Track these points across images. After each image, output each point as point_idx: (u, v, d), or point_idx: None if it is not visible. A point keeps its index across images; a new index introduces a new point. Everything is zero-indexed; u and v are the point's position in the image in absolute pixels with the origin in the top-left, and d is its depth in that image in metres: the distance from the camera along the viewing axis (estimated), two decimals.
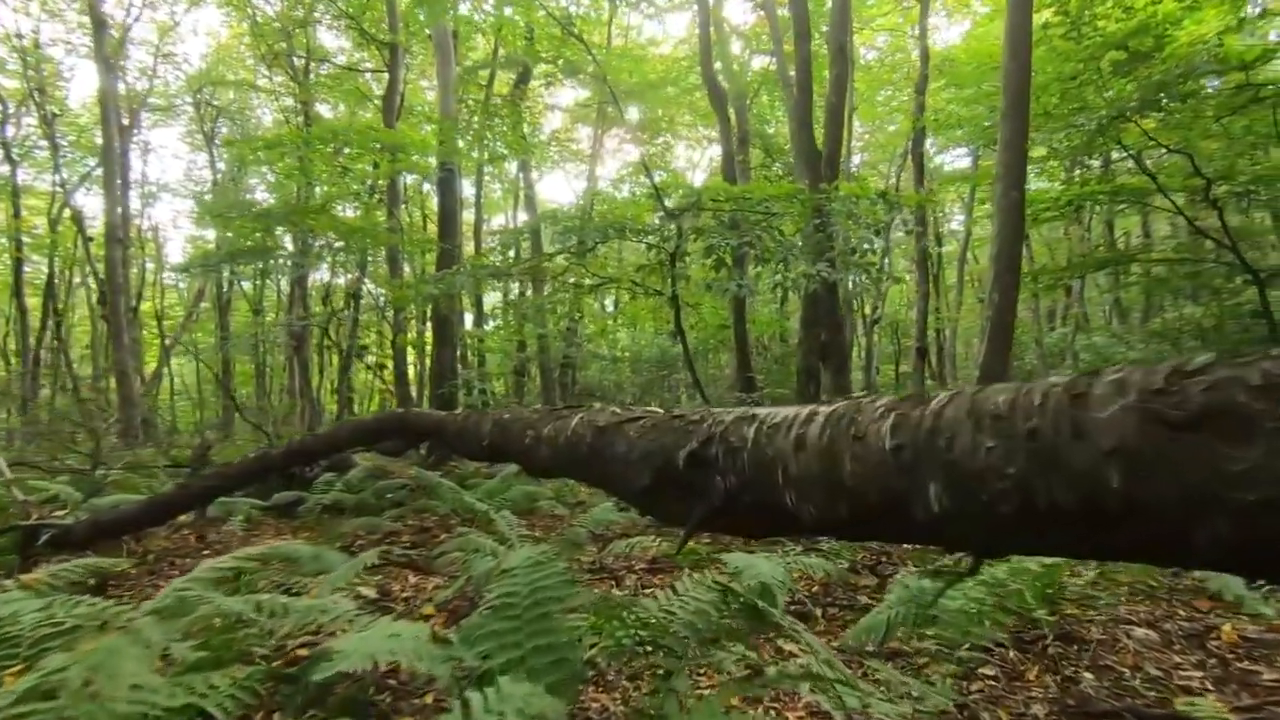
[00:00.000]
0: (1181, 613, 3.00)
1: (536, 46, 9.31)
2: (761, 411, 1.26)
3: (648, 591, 3.59)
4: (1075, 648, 2.65)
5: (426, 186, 20.03)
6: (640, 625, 1.67)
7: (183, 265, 15.19)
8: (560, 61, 9.63)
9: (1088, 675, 2.42)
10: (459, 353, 16.34)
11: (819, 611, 3.34)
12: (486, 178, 21.37)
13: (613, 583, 3.90)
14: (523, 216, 20.24)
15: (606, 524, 4.97)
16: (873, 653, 2.56)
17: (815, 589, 3.74)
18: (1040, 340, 17.64)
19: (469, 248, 18.03)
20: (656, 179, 9.52)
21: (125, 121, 19.54)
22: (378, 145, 11.19)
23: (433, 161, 11.32)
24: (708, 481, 1.31)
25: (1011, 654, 2.56)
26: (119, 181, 17.46)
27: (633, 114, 14.64)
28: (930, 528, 0.91)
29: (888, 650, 2.59)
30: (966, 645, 2.60)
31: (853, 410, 1.05)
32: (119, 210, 12.48)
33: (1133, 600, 3.13)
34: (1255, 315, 11.12)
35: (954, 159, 21.04)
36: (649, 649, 1.66)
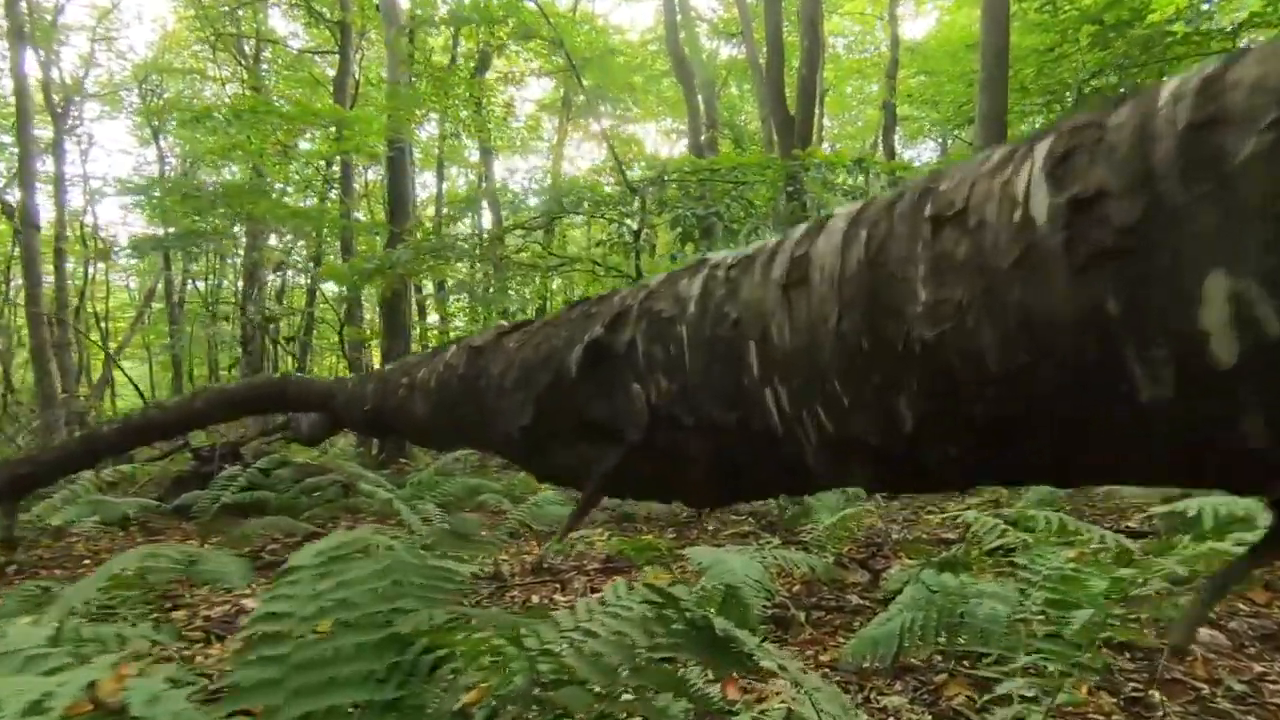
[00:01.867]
0: (1243, 607, 2.47)
1: (491, 7, 8.67)
2: (715, 255, 0.65)
3: (598, 598, 2.97)
4: (1127, 655, 2.10)
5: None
6: (538, 657, 1.06)
7: (105, 250, 14.15)
8: (513, 22, 8.97)
9: (1155, 694, 1.86)
10: (421, 346, 15.51)
11: (802, 615, 2.76)
12: (453, 171, 20.57)
13: (557, 586, 3.28)
14: (486, 212, 19.53)
15: (556, 518, 4.34)
16: (878, 669, 1.98)
17: (796, 588, 3.16)
18: None
19: None
20: (630, 173, 8.94)
21: (59, 110, 18.40)
22: (323, 122, 10.42)
23: (384, 149, 10.56)
24: (618, 397, 0.70)
25: (1052, 666, 2.00)
26: (47, 171, 16.33)
27: (597, 94, 14.02)
28: (1161, 423, 0.31)
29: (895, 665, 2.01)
30: (994, 657, 2.04)
31: (922, 184, 0.44)
32: (35, 195, 11.48)
33: (1179, 593, 2.59)
34: None
35: (921, 154, 20.91)
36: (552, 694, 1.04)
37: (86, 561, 4.37)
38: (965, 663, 2.08)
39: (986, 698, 1.52)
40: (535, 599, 3.18)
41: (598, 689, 0.82)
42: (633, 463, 0.72)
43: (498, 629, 0.98)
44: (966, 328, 0.39)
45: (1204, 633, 2.22)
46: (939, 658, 2.12)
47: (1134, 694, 1.86)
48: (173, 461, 7.00)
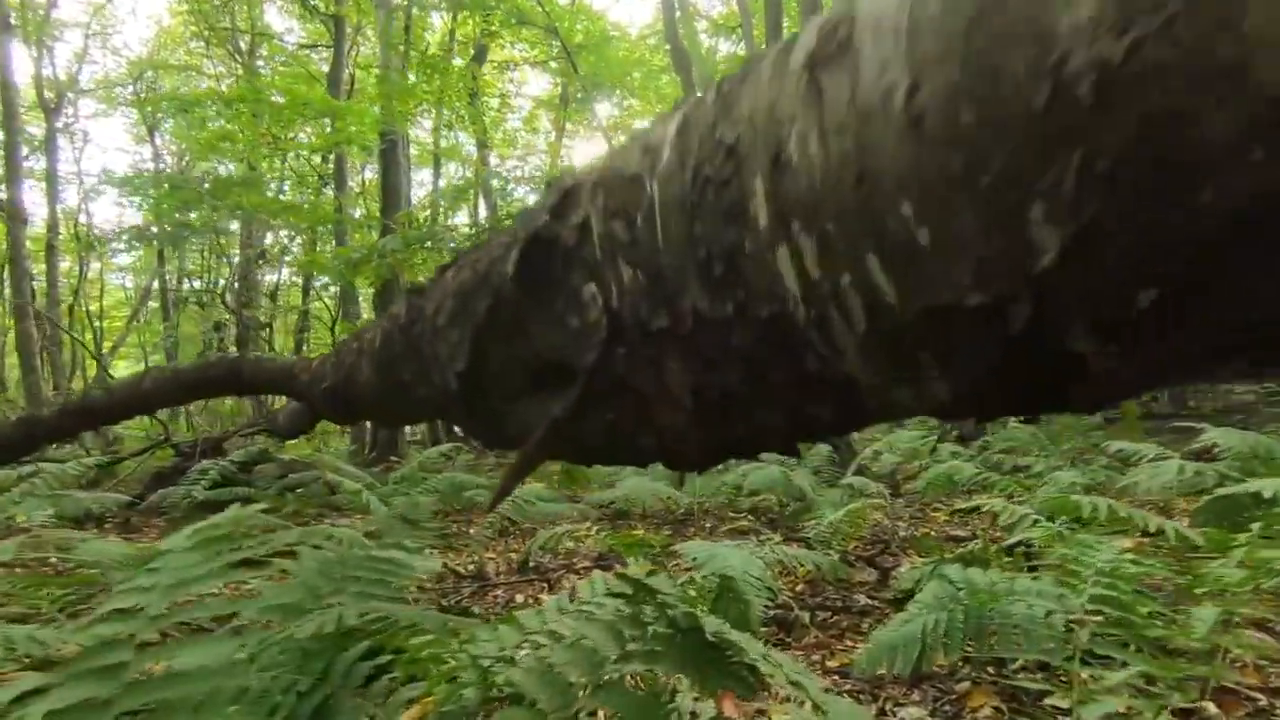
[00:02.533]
0: None
1: None
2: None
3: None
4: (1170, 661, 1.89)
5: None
6: (493, 666, 0.86)
7: (90, 242, 13.98)
8: (506, 7, 8.78)
9: (1208, 705, 1.66)
10: None
11: (806, 617, 2.55)
12: (451, 169, 20.39)
13: (544, 585, 3.07)
14: (483, 211, 19.33)
15: (547, 514, 4.13)
16: (896, 677, 1.77)
17: (800, 587, 2.95)
18: None
19: None
20: None
21: (52, 106, 18.21)
22: (313, 113, 10.23)
23: (376, 141, 10.35)
24: (568, 310, 0.49)
25: (1086, 674, 1.79)
26: (41, 168, 16.20)
27: (594, 82, 13.84)
28: None
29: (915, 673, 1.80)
30: (1019, 664, 1.84)
31: None
32: (21, 187, 11.27)
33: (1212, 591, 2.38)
34: None
35: None
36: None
37: (52, 560, 4.16)
38: (989, 669, 1.88)
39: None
40: (520, 598, 2.97)
41: (550, 713, 0.62)
42: (589, 405, 0.52)
43: (446, 632, 0.77)
44: (1203, 20, 0.19)
45: (1246, 633, 2.02)
46: (961, 663, 1.91)
47: (1184, 705, 1.66)
48: (155, 457, 6.80)
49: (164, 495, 4.44)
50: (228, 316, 14.69)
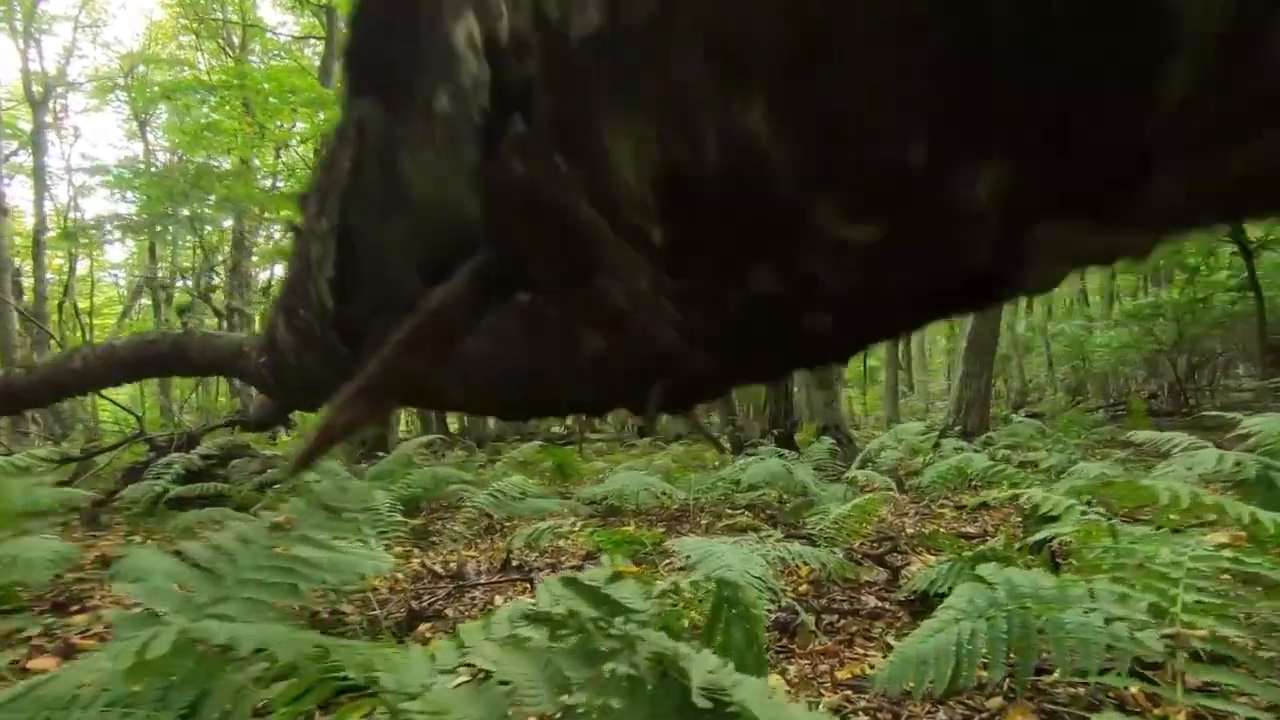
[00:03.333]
0: None
1: None
2: None
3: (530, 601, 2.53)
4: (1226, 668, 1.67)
5: None
6: (407, 706, 0.63)
7: (76, 233, 13.76)
8: None
9: None
10: None
11: (812, 620, 2.33)
12: None
13: (526, 586, 2.84)
14: None
15: (536, 510, 3.90)
16: (928, 693, 1.54)
17: (803, 588, 2.73)
18: (1012, 326, 17.32)
19: None
20: None
21: (39, 100, 17.92)
22: (299, 103, 9.98)
23: None
24: (441, 79, 0.25)
25: (1135, 689, 1.57)
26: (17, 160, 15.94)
27: None
28: None
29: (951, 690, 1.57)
30: (1056, 677, 1.61)
31: None
32: (5, 179, 11.01)
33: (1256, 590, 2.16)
34: (1242, 288, 11.05)
35: None
36: None
37: None
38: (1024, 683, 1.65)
39: None
40: (500, 599, 2.74)
41: None
42: (486, 279, 0.29)
43: (309, 658, 0.54)
44: None
45: None
46: (989, 675, 1.68)
47: None
48: (130, 452, 6.56)
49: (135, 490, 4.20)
50: (203, 304, 14.45)
